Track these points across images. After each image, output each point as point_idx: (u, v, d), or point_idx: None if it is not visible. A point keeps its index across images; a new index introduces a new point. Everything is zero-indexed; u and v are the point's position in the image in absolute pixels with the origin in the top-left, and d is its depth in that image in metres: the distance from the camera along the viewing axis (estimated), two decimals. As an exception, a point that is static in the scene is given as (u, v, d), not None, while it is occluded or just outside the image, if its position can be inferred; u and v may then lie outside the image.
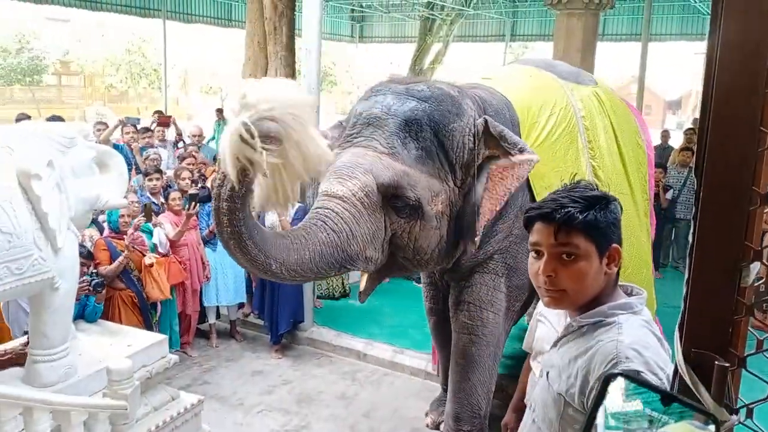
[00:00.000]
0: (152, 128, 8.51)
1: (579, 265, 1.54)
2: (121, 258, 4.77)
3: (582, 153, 4.18)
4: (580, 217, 1.52)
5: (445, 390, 4.81)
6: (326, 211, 3.08)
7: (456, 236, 3.48)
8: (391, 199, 3.18)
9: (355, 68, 31.63)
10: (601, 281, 1.58)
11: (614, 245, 1.57)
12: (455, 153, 3.34)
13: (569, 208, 1.53)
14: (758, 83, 1.01)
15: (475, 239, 3.40)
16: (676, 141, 11.74)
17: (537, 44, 30.55)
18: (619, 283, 1.67)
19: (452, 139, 3.32)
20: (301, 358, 5.94)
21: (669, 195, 8.23)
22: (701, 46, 22.59)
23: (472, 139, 3.38)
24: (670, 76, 42.32)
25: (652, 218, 5.28)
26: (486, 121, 3.38)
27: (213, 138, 11.31)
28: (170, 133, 8.92)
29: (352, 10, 24.21)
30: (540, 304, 3.15)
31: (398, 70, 34.96)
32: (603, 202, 1.57)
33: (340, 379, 5.54)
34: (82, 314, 4.17)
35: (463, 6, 19.94)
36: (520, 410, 3.23)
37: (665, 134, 11.76)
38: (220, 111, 11.70)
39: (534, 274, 1.62)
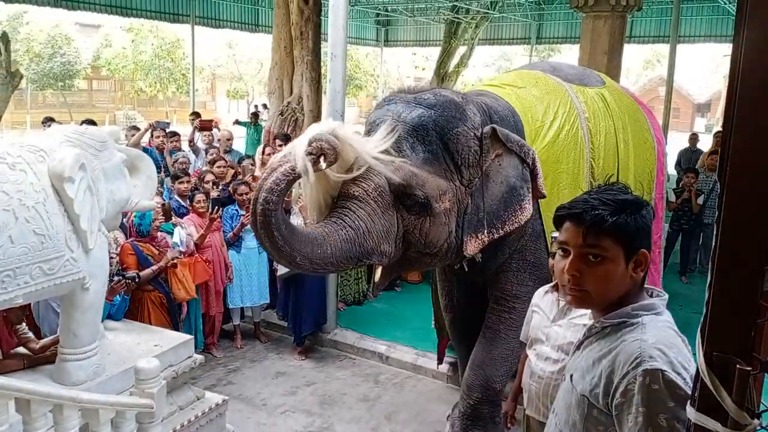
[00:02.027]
0: (194, 131, 8.65)
1: (605, 267, 1.54)
2: (155, 267, 4.88)
3: (583, 155, 4.34)
4: (610, 220, 1.52)
5: None
6: (344, 210, 3.39)
7: (462, 232, 3.73)
8: (402, 197, 3.46)
9: (380, 72, 31.65)
10: (626, 285, 1.57)
11: (642, 250, 1.56)
12: (460, 155, 3.62)
13: (600, 210, 1.53)
14: None
15: (477, 243, 3.70)
16: (705, 144, 11.57)
17: (563, 47, 30.36)
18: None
19: (457, 142, 3.60)
20: (324, 360, 5.98)
21: (700, 200, 8.11)
22: (730, 48, 22.11)
23: (477, 142, 3.66)
24: (699, 78, 41.66)
25: (658, 215, 5.29)
26: (493, 129, 3.67)
27: (249, 139, 11.51)
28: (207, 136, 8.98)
29: (377, 14, 24.30)
30: (535, 296, 3.26)
31: (423, 74, 35.07)
32: (634, 206, 1.57)
33: (363, 382, 5.56)
34: (108, 312, 4.25)
35: (488, 9, 19.89)
36: (519, 398, 3.36)
37: (694, 137, 11.58)
38: (255, 115, 11.87)
39: (559, 272, 1.62)
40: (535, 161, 3.76)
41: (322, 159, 3.13)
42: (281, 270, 5.94)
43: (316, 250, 3.22)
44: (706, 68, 41.93)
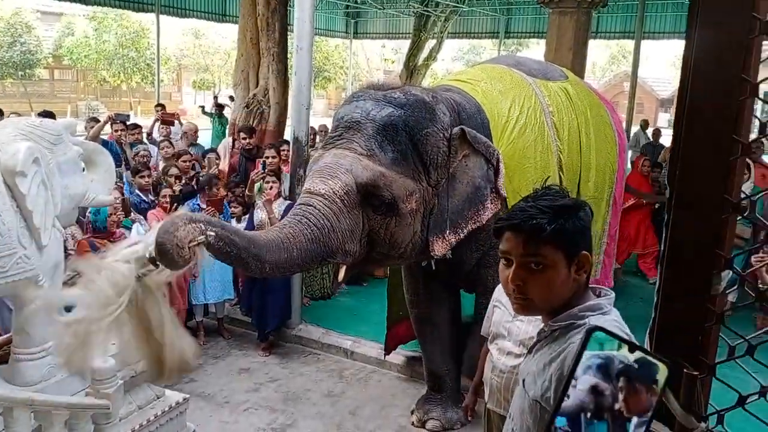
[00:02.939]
0: (156, 126, 8.46)
1: (547, 274, 1.55)
2: None
3: (550, 150, 4.36)
4: (549, 228, 1.52)
5: (431, 388, 4.83)
6: (309, 208, 3.33)
7: (427, 233, 3.73)
8: (369, 197, 3.43)
9: (349, 64, 31.50)
10: (570, 288, 1.58)
11: (583, 252, 1.57)
12: (429, 156, 3.61)
13: (537, 219, 1.53)
14: (732, 93, 1.01)
15: (443, 244, 3.70)
16: (668, 139, 11.78)
17: (530, 41, 30.64)
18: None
19: (426, 143, 3.60)
20: (288, 356, 5.93)
21: (667, 194, 8.21)
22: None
23: (445, 143, 3.66)
24: (662, 74, 42.45)
25: (617, 209, 5.41)
26: (462, 130, 3.68)
27: (215, 132, 11.33)
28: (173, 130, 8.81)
29: (347, 6, 24.14)
30: (497, 290, 3.25)
31: (393, 66, 35.01)
32: (572, 210, 1.57)
33: (328, 377, 5.53)
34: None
35: (457, 3, 19.91)
36: (480, 392, 3.38)
37: (657, 132, 11.78)
38: (220, 107, 11.67)
39: (504, 281, 1.63)
40: (498, 161, 3.79)
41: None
42: None
43: (283, 255, 3.12)
44: (669, 64, 42.72)
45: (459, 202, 3.71)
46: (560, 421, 1.04)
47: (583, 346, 1.04)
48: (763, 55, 1.06)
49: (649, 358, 1.01)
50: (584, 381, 1.05)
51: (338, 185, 3.37)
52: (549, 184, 1.68)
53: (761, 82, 1.02)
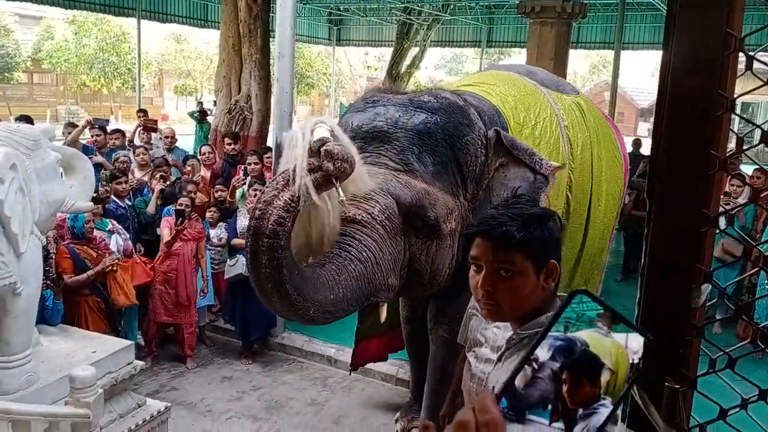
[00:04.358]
0: (137, 132, 8.37)
1: (516, 281, 1.57)
2: (91, 272, 4.70)
3: (564, 166, 4.01)
4: (518, 235, 1.54)
5: (416, 398, 4.80)
6: (345, 239, 2.83)
7: (462, 254, 3.26)
8: (412, 219, 2.99)
9: (332, 71, 31.51)
10: (538, 296, 1.60)
11: (552, 261, 1.60)
12: (468, 167, 3.19)
13: (507, 226, 1.55)
14: (709, 106, 1.03)
15: None
16: (647, 149, 11.92)
17: (512, 51, 30.88)
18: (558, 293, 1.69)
19: (466, 153, 3.17)
20: (271, 364, 5.89)
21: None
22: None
23: (484, 151, 3.24)
24: (642, 84, 43.06)
25: (612, 233, 5.26)
26: (498, 133, 3.26)
27: (197, 138, 11.20)
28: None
29: (330, 13, 24.16)
30: (472, 299, 3.14)
31: (375, 74, 35.08)
32: (541, 219, 1.60)
33: (311, 385, 5.51)
34: (43, 316, 4.07)
35: (440, 11, 20.04)
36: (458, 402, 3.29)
37: (637, 142, 11.91)
38: (203, 112, 11.56)
39: (474, 287, 1.64)
40: (552, 171, 3.34)
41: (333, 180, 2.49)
42: (228, 272, 5.83)
43: (329, 295, 2.65)
44: (649, 74, 43.35)
45: None
46: (503, 402, 0.92)
47: (562, 309, 0.96)
48: (740, 69, 1.08)
49: (631, 328, 0.93)
50: (544, 358, 0.96)
51: (377, 209, 2.87)
52: (520, 194, 1.70)
53: (738, 97, 1.04)
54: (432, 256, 3.09)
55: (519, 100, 3.98)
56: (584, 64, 40.65)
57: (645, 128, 39.20)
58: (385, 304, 3.14)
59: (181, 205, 5.51)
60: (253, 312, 5.83)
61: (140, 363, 4.17)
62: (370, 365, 5.65)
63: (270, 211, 2.41)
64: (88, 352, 3.93)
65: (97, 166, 5.84)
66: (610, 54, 22.73)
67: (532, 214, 1.59)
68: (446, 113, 3.15)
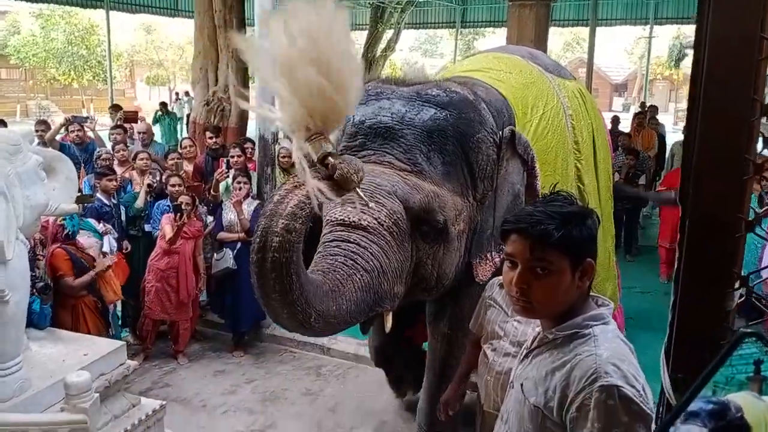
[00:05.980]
0: (119, 124, 8.21)
1: (552, 279, 1.56)
2: (92, 272, 4.65)
3: (570, 156, 3.95)
4: (556, 234, 1.53)
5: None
6: (350, 246, 2.66)
7: (469, 256, 3.17)
8: (420, 223, 2.83)
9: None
10: (572, 295, 1.59)
11: (588, 260, 1.59)
12: (479, 166, 3.03)
13: (546, 225, 1.54)
14: (743, 114, 1.01)
15: (489, 266, 3.13)
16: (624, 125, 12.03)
17: (487, 31, 30.83)
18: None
19: (477, 151, 3.01)
20: (263, 356, 5.88)
21: (642, 181, 8.42)
22: (645, 30, 23.09)
23: (495, 149, 3.08)
24: (616, 60, 43.33)
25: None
26: (513, 132, 3.13)
27: (163, 130, 11.03)
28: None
29: (303, -2, 23.86)
30: (488, 287, 2.95)
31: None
32: (580, 218, 1.58)
33: (305, 375, 5.51)
34: (30, 320, 4.01)
35: (413, -6, 19.93)
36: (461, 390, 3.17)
37: (616, 119, 11.99)
38: (163, 104, 11.38)
39: (507, 283, 1.63)
40: (533, 160, 3.25)
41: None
42: (216, 266, 5.78)
43: (331, 306, 2.47)
44: (622, 50, 43.59)
45: (502, 216, 3.02)
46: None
47: (729, 351, 0.94)
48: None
49: None
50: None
51: (383, 213, 2.69)
52: (558, 190, 1.68)
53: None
54: (439, 261, 2.95)
55: (526, 87, 3.83)
56: (558, 42, 40.69)
57: (619, 103, 39.55)
58: (390, 313, 2.94)
59: (181, 203, 5.47)
60: (242, 303, 5.80)
61: (133, 363, 4.13)
62: (362, 352, 5.68)
63: (286, 201, 2.17)
64: (79, 356, 3.88)
65: (77, 163, 5.73)
66: (583, 31, 22.81)
67: (571, 212, 1.58)
68: (456, 109, 2.98)
